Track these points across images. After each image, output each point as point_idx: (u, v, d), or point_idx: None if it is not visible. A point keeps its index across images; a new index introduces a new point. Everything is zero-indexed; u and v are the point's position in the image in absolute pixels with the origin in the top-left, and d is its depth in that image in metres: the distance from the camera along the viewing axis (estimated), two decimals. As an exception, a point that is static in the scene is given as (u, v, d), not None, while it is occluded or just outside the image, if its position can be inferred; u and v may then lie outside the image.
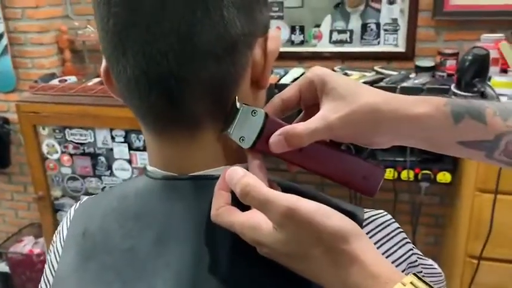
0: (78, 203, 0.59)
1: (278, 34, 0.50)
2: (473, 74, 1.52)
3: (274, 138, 0.44)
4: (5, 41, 2.18)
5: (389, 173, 1.71)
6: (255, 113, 0.45)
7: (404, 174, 1.70)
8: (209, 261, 0.45)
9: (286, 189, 0.42)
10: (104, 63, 0.48)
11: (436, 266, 0.57)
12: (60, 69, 2.25)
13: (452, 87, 1.62)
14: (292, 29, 2.03)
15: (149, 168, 0.51)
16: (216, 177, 0.45)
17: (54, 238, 0.59)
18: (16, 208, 2.55)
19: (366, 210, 0.50)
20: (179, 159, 0.48)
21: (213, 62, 0.43)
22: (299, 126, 0.44)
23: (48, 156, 1.98)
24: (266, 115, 0.45)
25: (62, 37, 2.21)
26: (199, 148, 0.47)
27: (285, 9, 2.01)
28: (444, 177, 1.70)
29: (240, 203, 0.42)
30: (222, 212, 0.43)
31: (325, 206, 0.40)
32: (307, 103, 0.49)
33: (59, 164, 1.98)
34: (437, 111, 0.45)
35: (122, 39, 0.43)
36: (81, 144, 1.92)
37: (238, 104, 0.46)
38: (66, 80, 2.02)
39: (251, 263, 0.44)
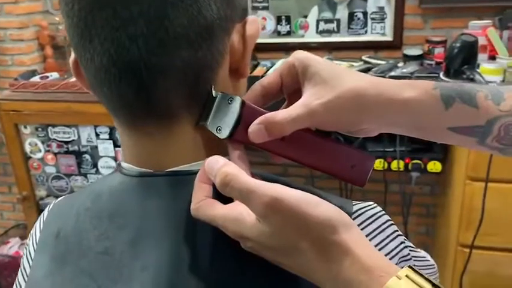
0: (52, 203, 0.56)
1: (256, 18, 0.47)
2: (462, 61, 1.51)
3: (253, 127, 0.41)
4: (-17, 38, 2.12)
5: (379, 164, 1.69)
6: (231, 100, 0.42)
7: (394, 165, 1.69)
8: (189, 261, 0.42)
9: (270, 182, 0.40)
10: (72, 54, 0.45)
11: (428, 257, 0.55)
12: (41, 66, 2.19)
13: (441, 75, 1.61)
14: (278, 20, 1.99)
15: (124, 164, 0.48)
16: (195, 172, 0.43)
17: (27, 241, 0.56)
18: (1, 209, 2.50)
19: (354, 202, 0.47)
20: (155, 155, 0.45)
21: (186, 47, 0.40)
22: (279, 114, 0.41)
23: (32, 155, 1.94)
24: (243, 102, 0.42)
25: (42, 33, 2.15)
26: (176, 142, 0.45)
27: (271, 1, 1.97)
28: (435, 166, 1.69)
29: (222, 196, 0.40)
30: (203, 205, 0.40)
31: (311, 195, 0.37)
32: (289, 89, 0.46)
33: (43, 163, 1.94)
34: (426, 95, 0.43)
35: (88, 25, 0.40)
36: (65, 142, 1.88)
37: (214, 92, 0.43)
38: (47, 77, 1.97)
39: (234, 259, 0.42)
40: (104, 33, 0.39)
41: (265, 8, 1.99)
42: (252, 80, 0.48)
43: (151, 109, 0.43)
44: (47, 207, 0.56)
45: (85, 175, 1.92)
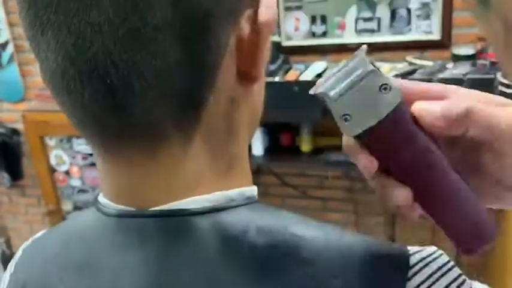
0: (31, 239, 0.47)
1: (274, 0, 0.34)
2: (525, 59, 1.32)
3: (429, 107, 0.30)
4: (10, 48, 2.09)
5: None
6: (384, 88, 0.29)
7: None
8: None
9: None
10: None
11: None
12: (68, 75, 2.14)
13: (498, 76, 1.43)
14: (313, 20, 1.85)
15: (101, 199, 0.36)
16: (192, 213, 0.32)
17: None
18: (31, 222, 2.47)
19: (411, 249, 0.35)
20: (136, 188, 0.34)
21: (172, 41, 0.29)
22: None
23: (57, 168, 1.88)
24: (401, 101, 0.30)
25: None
26: (162, 171, 0.33)
27: (307, 3, 1.84)
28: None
29: None
30: None
31: None
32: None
33: (68, 176, 1.88)
34: None
35: (39, 11, 0.29)
36: (90, 154, 1.81)
37: (363, 55, 0.30)
38: (73, 86, 1.91)
39: None
40: (58, 22, 0.29)
41: (299, 8, 1.86)
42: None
43: (126, 126, 0.31)
44: (24, 244, 0.46)
45: (111, 188, 1.84)
